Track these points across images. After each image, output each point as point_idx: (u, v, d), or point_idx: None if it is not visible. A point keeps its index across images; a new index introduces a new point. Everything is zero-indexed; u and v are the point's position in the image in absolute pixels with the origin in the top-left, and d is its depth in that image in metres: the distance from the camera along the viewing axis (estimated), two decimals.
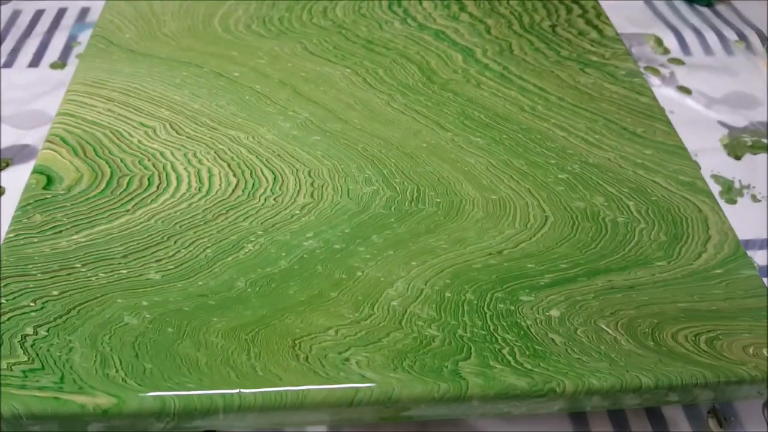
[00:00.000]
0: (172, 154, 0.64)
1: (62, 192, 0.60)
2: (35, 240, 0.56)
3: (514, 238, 0.58)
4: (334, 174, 0.62)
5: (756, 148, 0.82)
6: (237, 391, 0.47)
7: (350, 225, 0.58)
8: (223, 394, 0.47)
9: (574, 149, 0.66)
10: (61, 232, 0.57)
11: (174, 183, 0.61)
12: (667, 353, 0.50)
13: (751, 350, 0.51)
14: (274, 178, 0.61)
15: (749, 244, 0.72)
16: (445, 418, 0.52)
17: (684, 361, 0.50)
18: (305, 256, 0.55)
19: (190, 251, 0.55)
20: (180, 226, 0.57)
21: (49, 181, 0.61)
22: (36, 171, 0.62)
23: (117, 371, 0.48)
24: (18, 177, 0.71)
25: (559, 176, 0.63)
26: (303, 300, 0.52)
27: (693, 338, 0.51)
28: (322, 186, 0.61)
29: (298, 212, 0.58)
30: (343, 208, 0.59)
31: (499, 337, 0.50)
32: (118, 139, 0.66)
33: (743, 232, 0.70)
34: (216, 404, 0.47)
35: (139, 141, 0.65)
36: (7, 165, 0.73)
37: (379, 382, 0.47)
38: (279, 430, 0.53)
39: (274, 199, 0.59)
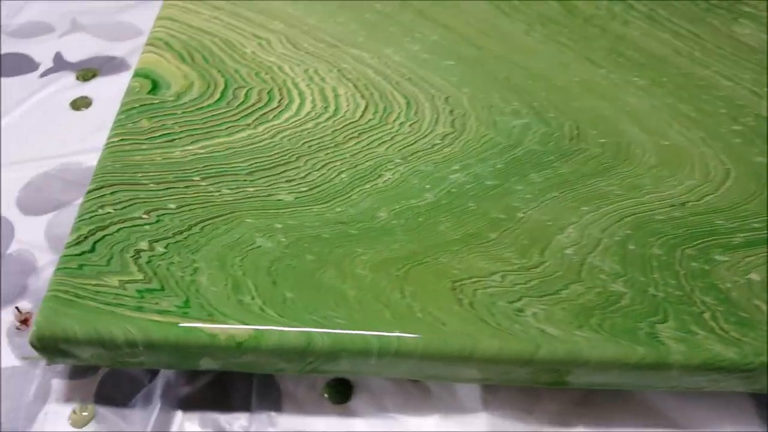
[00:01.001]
0: (291, 69, 0.55)
1: (171, 98, 0.52)
2: (143, 146, 0.48)
3: (696, 190, 0.49)
4: (474, 103, 0.54)
5: None
6: (396, 334, 0.38)
7: (502, 160, 0.50)
8: (380, 336, 0.38)
9: (744, 100, 0.57)
10: (173, 140, 0.48)
11: (297, 100, 0.53)
12: None
13: None
14: (407, 103, 0.53)
15: None
16: (611, 389, 0.43)
17: None
18: (453, 190, 0.47)
19: (323, 174, 0.47)
20: (309, 147, 0.49)
21: (155, 86, 0.53)
22: (138, 74, 0.54)
23: (253, 298, 0.40)
24: (106, 88, 0.63)
25: (733, 128, 0.54)
26: (457, 238, 0.44)
27: None
28: (463, 115, 0.52)
29: (438, 142, 0.50)
30: (491, 142, 0.51)
31: (697, 300, 0.42)
32: (229, 48, 0.57)
33: None
34: (370, 346, 0.39)
35: (254, 52, 0.57)
36: (94, 75, 0.64)
37: (564, 340, 0.39)
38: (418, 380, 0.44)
39: (410, 126, 0.51)
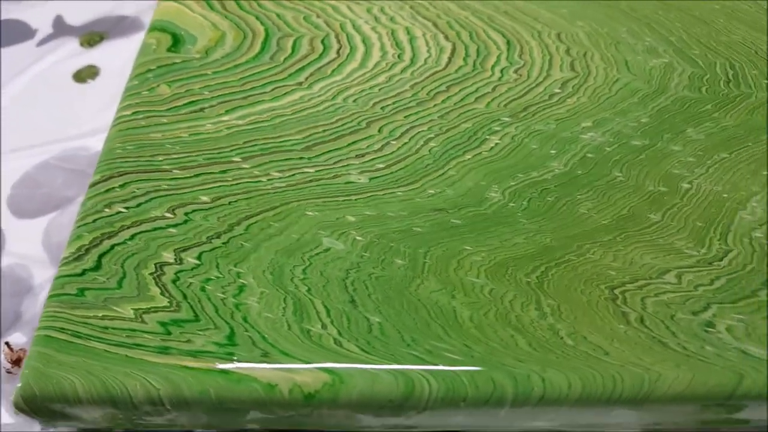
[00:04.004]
0: (350, 8, 0.42)
1: (197, 56, 0.39)
2: (163, 120, 0.35)
3: None
4: (596, 39, 0.39)
5: None
6: (538, 368, 0.25)
7: (646, 112, 0.36)
8: (515, 375, 0.25)
9: None
10: (203, 110, 0.35)
11: (361, 48, 0.39)
12: None
13: None
14: (508, 43, 0.39)
15: None
16: None
17: None
18: (590, 155, 0.33)
19: (406, 144, 0.34)
20: (383, 108, 0.35)
21: (176, 41, 0.40)
22: (155, 28, 0.41)
23: (324, 327, 0.26)
24: (116, 54, 0.50)
25: None
26: (607, 224, 0.30)
27: None
28: (584, 55, 0.38)
29: (558, 91, 0.36)
30: (628, 87, 0.37)
31: None
32: None
33: None
34: (503, 391, 0.25)
35: None
36: (101, 39, 0.52)
37: None
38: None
39: (516, 72, 0.37)
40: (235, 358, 0.27)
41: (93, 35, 0.55)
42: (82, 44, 0.53)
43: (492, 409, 0.27)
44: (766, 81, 0.39)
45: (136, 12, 0.56)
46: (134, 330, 0.28)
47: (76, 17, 0.56)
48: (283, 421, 0.28)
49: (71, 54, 0.52)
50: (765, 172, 0.34)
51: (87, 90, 0.49)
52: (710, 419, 0.29)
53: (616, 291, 0.29)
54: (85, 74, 0.51)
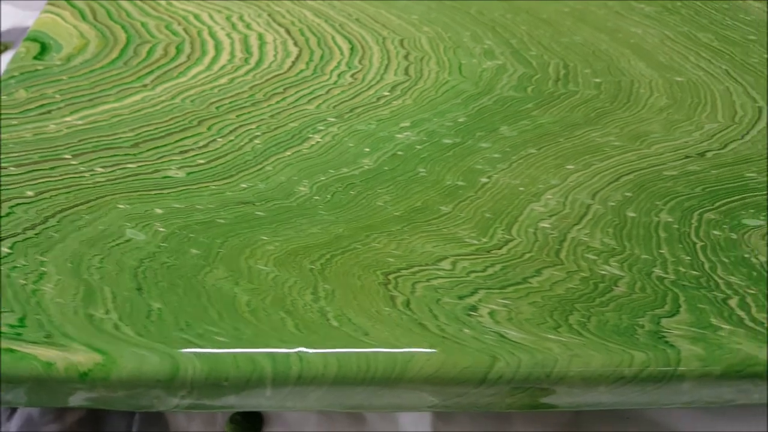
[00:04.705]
0: (212, 17, 0.44)
1: (59, 63, 0.41)
2: (14, 122, 0.37)
3: (719, 135, 0.36)
4: (437, 44, 0.41)
5: None
6: (297, 350, 0.27)
7: (466, 111, 0.37)
8: (274, 355, 0.27)
9: None
10: (50, 112, 0.38)
11: (211, 52, 0.41)
12: None
13: None
14: (352, 49, 0.41)
15: None
16: (608, 409, 0.31)
17: None
18: (400, 152, 0.35)
19: (231, 141, 0.36)
20: (217, 108, 0.37)
21: (44, 50, 0.42)
22: (29, 38, 0.43)
23: (107, 312, 0.28)
24: None
25: (766, 56, 0.41)
26: (399, 215, 0.32)
27: None
28: (422, 59, 0.40)
29: (387, 94, 0.38)
30: (455, 89, 0.39)
31: (720, 281, 0.29)
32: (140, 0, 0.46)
33: None
34: (261, 371, 0.27)
35: (168, 2, 0.46)
36: (6, 48, 0.54)
37: (531, 348, 0.27)
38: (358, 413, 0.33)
39: (352, 76, 0.39)
40: (22, 338, 0.29)
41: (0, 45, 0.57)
42: None
43: (256, 389, 0.29)
44: (596, 80, 0.41)
45: None
46: None
47: None
48: (90, 400, 0.30)
49: None
50: (570, 167, 0.36)
51: None
52: (485, 402, 0.31)
53: (390, 276, 0.31)
54: None
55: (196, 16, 0.45)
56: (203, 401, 0.29)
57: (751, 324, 0.29)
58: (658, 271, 0.31)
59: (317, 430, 0.33)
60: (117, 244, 0.32)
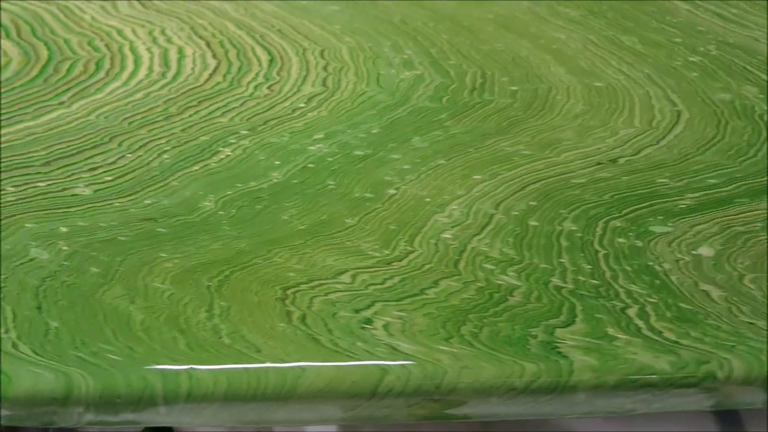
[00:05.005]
0: (134, 32, 0.44)
1: None
2: None
3: (634, 141, 0.36)
4: (357, 54, 0.41)
5: None
6: (187, 368, 0.27)
7: (380, 123, 0.37)
8: (164, 373, 0.27)
9: (705, 25, 0.44)
10: None
11: (130, 67, 0.41)
12: None
13: None
14: (271, 61, 0.41)
15: None
16: (522, 419, 0.31)
17: None
18: (310, 165, 0.35)
19: (140, 157, 0.36)
20: (129, 123, 0.37)
21: None
22: None
23: (7, 331, 0.28)
24: None
25: (690, 59, 0.41)
26: (304, 229, 0.32)
27: None
28: (340, 70, 0.40)
29: (303, 105, 0.38)
30: (371, 100, 0.38)
31: (621, 290, 0.29)
32: (66, 15, 0.46)
33: None
34: (152, 389, 0.27)
35: (93, 18, 0.46)
36: None
37: (422, 360, 0.27)
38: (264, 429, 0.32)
39: (269, 88, 0.39)
40: None
41: None
42: None
43: (149, 407, 0.29)
44: (513, 88, 0.40)
45: None
46: None
47: None
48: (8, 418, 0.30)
49: None
50: (477, 177, 0.36)
51: None
52: (383, 414, 0.30)
53: (289, 291, 0.31)
54: None
55: (119, 32, 0.45)
56: (103, 417, 0.29)
57: (648, 333, 0.29)
58: (556, 281, 0.31)
59: None
60: (21, 264, 0.32)
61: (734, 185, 0.35)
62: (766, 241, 0.33)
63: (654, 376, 0.28)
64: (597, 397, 0.29)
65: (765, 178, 0.36)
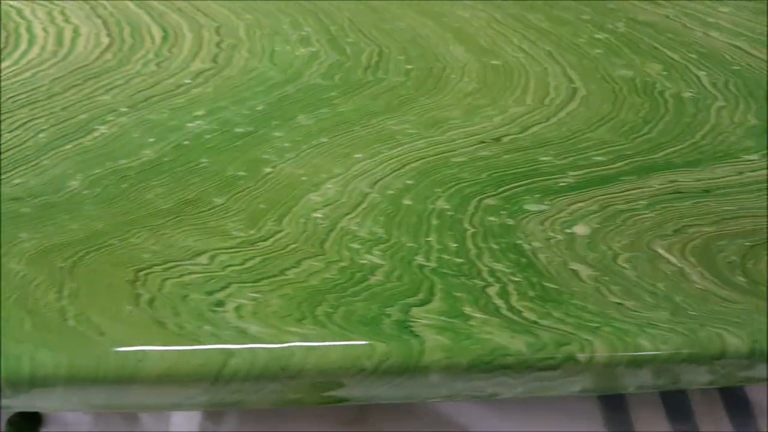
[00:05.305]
0: (34, 12, 0.42)
1: None
2: None
3: (522, 118, 0.35)
4: (253, 31, 0.40)
5: None
6: (28, 349, 0.26)
7: (266, 100, 0.36)
8: (7, 354, 0.26)
9: (616, 3, 0.43)
10: None
11: (23, 47, 0.40)
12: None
13: None
14: (164, 38, 0.40)
15: None
16: (395, 402, 0.30)
17: None
18: (185, 142, 0.34)
19: (17, 136, 0.35)
20: (13, 102, 0.36)
21: None
22: None
23: None
24: None
25: (596, 36, 0.40)
26: (167, 208, 0.31)
27: None
28: (234, 47, 0.39)
29: (188, 81, 0.37)
30: (260, 77, 0.37)
31: (484, 268, 0.28)
32: None
33: None
34: None
35: None
36: None
37: (270, 342, 0.26)
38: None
39: (157, 65, 0.38)
40: None
41: None
42: None
43: None
44: (408, 66, 0.39)
45: None
46: None
47: None
48: None
49: None
50: (358, 155, 0.35)
51: None
52: (305, 398, 0.30)
53: (141, 273, 0.30)
54: None
55: (19, 12, 0.44)
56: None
57: (507, 313, 0.28)
58: (420, 259, 0.30)
59: (93, 430, 0.32)
60: None
61: (622, 162, 0.34)
62: (647, 219, 0.32)
63: (509, 358, 0.27)
64: (453, 379, 0.28)
65: (656, 155, 0.35)
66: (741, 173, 0.35)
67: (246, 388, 0.28)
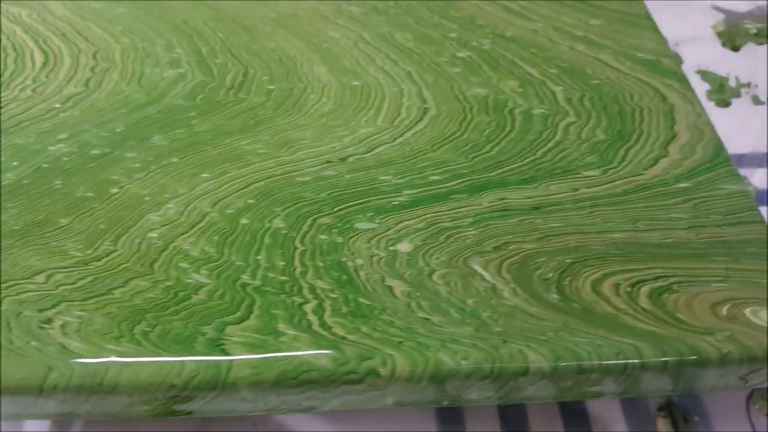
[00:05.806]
0: None
1: None
2: None
3: (370, 139, 0.37)
4: (128, 54, 0.42)
5: (761, 36, 0.59)
6: None
7: (127, 121, 0.38)
8: None
9: (486, 19, 0.45)
10: None
11: None
12: (580, 313, 0.30)
13: (724, 310, 0.30)
14: (44, 63, 0.41)
15: (744, 159, 0.50)
16: (232, 415, 0.32)
17: (608, 326, 0.30)
18: (45, 165, 0.35)
19: None
20: None
21: None
22: None
23: None
24: None
25: (458, 54, 0.42)
26: (17, 229, 0.33)
27: (628, 290, 0.31)
28: (107, 71, 0.41)
29: (58, 106, 0.39)
30: (125, 99, 0.39)
31: (305, 285, 0.30)
32: None
33: (737, 144, 0.48)
34: None
35: None
36: None
37: (88, 358, 0.27)
38: None
39: (33, 90, 0.40)
40: None
41: None
42: None
43: None
44: (270, 87, 0.41)
45: None
46: None
47: None
48: None
49: None
50: (205, 175, 0.36)
51: None
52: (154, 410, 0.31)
53: None
54: None
55: None
56: None
57: (318, 329, 0.30)
58: (245, 278, 0.32)
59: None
60: None
61: (456, 181, 0.36)
62: (470, 237, 0.34)
63: (314, 373, 0.29)
64: (264, 395, 0.29)
65: (491, 173, 0.36)
66: (576, 189, 0.36)
67: (72, 400, 0.29)
